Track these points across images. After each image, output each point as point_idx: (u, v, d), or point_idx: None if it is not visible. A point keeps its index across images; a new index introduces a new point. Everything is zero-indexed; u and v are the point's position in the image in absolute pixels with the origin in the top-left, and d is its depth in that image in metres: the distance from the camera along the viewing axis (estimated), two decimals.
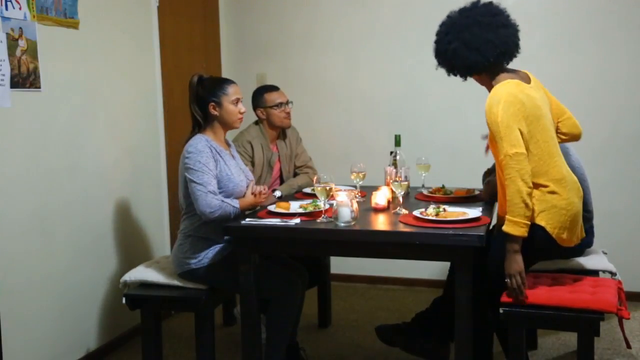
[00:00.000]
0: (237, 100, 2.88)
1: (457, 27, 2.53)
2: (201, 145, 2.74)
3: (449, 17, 2.61)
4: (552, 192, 2.47)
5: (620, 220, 4.06)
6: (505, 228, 2.39)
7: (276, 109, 3.41)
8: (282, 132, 3.55)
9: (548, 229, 2.46)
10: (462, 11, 2.57)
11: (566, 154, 3.02)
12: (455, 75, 2.62)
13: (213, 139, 2.83)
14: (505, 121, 2.38)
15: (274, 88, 3.50)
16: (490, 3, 2.57)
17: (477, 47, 2.48)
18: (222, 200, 2.69)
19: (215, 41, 4.50)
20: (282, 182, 3.53)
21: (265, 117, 3.44)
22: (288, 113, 3.47)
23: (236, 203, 2.74)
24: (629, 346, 2.59)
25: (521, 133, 2.40)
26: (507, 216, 2.39)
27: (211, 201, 2.66)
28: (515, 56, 2.59)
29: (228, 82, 2.90)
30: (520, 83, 2.49)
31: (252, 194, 2.84)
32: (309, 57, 4.57)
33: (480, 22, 2.50)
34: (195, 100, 2.84)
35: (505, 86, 2.46)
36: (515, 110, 2.40)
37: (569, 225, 2.49)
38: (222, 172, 2.77)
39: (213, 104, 2.83)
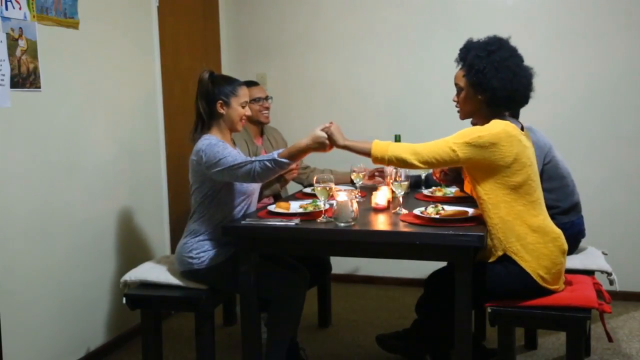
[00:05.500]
0: (245, 103, 2.89)
1: (501, 54, 2.48)
2: (214, 140, 2.75)
3: (492, 41, 2.54)
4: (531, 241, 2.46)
5: (618, 220, 4.07)
6: (375, 147, 2.48)
7: (253, 104, 3.44)
8: (261, 130, 3.59)
9: (530, 270, 2.45)
10: (503, 43, 2.52)
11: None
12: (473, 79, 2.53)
13: (221, 139, 2.83)
14: (488, 136, 2.37)
15: (252, 83, 3.55)
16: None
17: (521, 81, 2.48)
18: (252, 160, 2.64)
19: (215, 41, 4.50)
20: (278, 181, 3.50)
21: None
22: (267, 108, 3.52)
23: (275, 154, 2.65)
24: (610, 340, 2.60)
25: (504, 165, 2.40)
26: (390, 146, 2.47)
27: (243, 163, 2.62)
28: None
29: (239, 83, 2.90)
30: (517, 129, 2.49)
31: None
32: (309, 57, 4.57)
33: (519, 63, 2.52)
34: (205, 96, 2.84)
35: (504, 123, 2.45)
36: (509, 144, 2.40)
37: (554, 272, 2.48)
38: None
39: (221, 102, 2.82)
